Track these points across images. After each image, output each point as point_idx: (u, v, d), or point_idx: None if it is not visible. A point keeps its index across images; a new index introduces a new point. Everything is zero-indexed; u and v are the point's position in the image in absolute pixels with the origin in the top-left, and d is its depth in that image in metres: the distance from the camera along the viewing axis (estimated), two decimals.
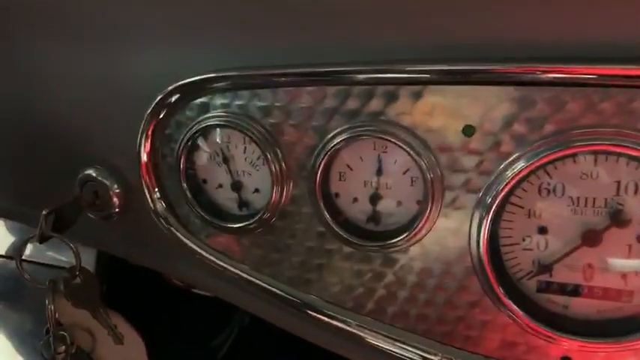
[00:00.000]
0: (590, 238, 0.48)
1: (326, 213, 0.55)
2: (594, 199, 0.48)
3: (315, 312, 0.60)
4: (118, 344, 0.60)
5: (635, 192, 0.47)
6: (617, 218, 0.47)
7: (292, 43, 0.54)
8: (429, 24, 0.49)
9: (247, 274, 0.62)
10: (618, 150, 0.45)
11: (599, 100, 0.45)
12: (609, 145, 0.45)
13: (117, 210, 0.66)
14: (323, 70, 0.52)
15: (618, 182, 0.47)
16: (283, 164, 0.55)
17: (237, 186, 0.59)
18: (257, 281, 0.61)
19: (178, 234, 0.62)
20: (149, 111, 0.59)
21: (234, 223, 0.59)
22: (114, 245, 0.71)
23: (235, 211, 0.60)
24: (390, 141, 0.51)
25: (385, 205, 0.54)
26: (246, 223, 0.58)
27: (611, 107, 0.45)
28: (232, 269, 0.62)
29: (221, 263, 0.62)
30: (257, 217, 0.57)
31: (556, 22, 0.45)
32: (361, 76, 0.51)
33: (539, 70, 0.46)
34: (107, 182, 0.65)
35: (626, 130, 0.45)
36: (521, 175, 0.47)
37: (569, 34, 0.45)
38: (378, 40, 0.51)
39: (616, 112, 0.45)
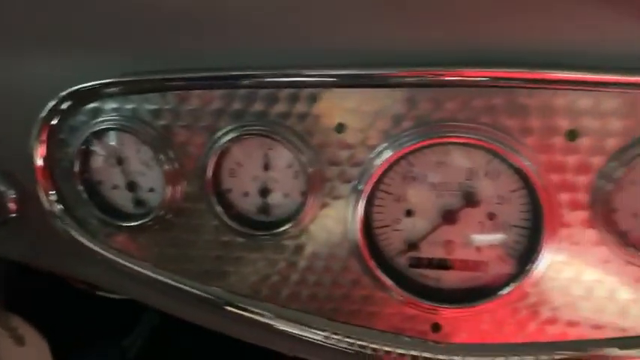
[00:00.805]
0: (448, 217, 0.56)
1: (219, 208, 0.59)
2: (450, 183, 0.55)
3: (217, 303, 0.64)
4: (19, 346, 0.61)
5: (484, 176, 0.55)
6: (469, 199, 0.55)
7: (179, 50, 0.57)
8: (303, 33, 0.54)
9: (149, 270, 0.64)
10: (466, 141, 0.52)
11: (446, 98, 0.52)
12: (458, 137, 0.52)
13: (13, 215, 0.66)
14: (208, 74, 0.56)
15: (469, 169, 0.55)
16: (176, 164, 0.59)
17: (132, 186, 0.62)
18: (159, 277, 0.64)
19: (77, 235, 0.64)
20: (42, 116, 0.60)
21: (132, 222, 0.62)
22: (12, 250, 0.71)
23: (132, 210, 0.63)
24: (273, 139, 0.56)
25: (273, 198, 0.59)
26: (143, 221, 0.61)
27: (457, 105, 0.52)
28: (134, 267, 0.64)
29: (122, 262, 0.64)
30: (153, 216, 0.60)
31: (405, 32, 0.52)
32: (244, 81, 0.55)
33: (398, 75, 0.52)
34: (2, 188, 0.65)
35: (471, 124, 0.52)
36: (387, 165, 0.54)
37: (411, 43, 0.52)
38: (259, 47, 0.56)
39: (461, 108, 0.52)
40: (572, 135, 0.50)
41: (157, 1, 0.56)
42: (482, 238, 0.57)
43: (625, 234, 0.53)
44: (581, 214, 0.52)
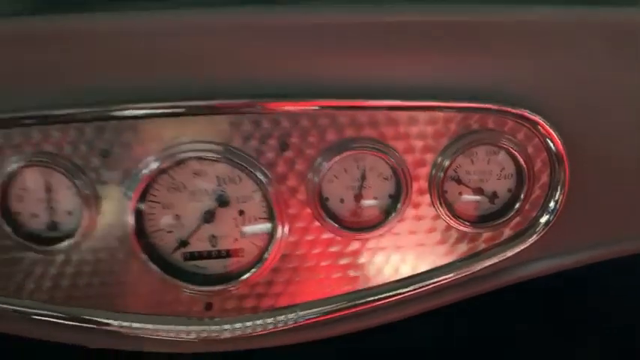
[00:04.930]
0: (207, 217, 0.70)
1: (8, 228, 0.67)
2: (205, 190, 0.69)
3: (24, 313, 0.72)
4: None
5: (227, 182, 0.69)
6: (221, 201, 0.69)
7: None
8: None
9: None
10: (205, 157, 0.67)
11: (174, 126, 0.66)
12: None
13: None
14: None
15: (217, 177, 0.69)
16: None
17: None
18: None
19: None
20: None
21: None
22: None
23: None
24: (52, 169, 0.66)
25: (59, 216, 0.69)
26: None
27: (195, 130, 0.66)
28: None
29: None
30: None
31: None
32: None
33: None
34: None
35: (207, 145, 0.66)
36: (148, 180, 0.66)
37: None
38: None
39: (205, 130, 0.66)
40: (284, 146, 0.67)
41: None
42: (237, 231, 0.71)
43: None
44: (301, 205, 0.69)
